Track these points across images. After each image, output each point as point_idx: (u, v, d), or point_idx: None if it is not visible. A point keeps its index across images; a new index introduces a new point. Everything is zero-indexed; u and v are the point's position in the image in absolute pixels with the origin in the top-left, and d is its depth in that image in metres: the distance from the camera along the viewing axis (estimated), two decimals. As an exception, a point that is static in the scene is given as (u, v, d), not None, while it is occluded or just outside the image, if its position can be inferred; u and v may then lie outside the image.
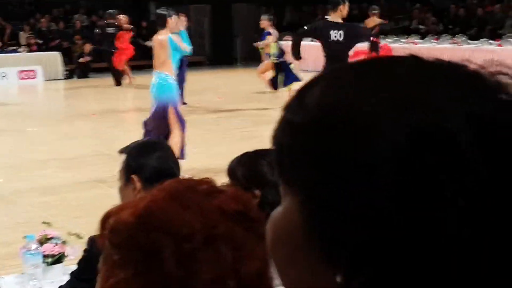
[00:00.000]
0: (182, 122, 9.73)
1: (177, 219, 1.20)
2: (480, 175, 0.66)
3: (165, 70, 9.70)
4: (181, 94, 15.25)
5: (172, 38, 9.74)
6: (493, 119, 0.68)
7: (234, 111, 15.43)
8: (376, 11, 18.90)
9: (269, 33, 16.33)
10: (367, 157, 0.67)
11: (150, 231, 1.19)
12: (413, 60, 0.76)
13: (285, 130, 0.74)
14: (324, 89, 0.74)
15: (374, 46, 18.55)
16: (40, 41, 24.60)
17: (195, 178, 1.31)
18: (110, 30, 21.72)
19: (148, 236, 1.19)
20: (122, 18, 21.85)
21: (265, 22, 16.39)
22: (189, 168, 9.05)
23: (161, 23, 9.93)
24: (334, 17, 10.70)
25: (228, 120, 14.34)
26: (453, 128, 0.67)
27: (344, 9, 10.53)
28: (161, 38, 9.72)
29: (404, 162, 0.66)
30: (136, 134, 9.88)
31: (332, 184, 0.68)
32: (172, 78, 9.77)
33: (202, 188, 1.26)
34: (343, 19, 10.54)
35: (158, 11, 10.38)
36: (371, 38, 18.70)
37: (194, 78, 21.96)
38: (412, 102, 0.68)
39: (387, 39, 21.81)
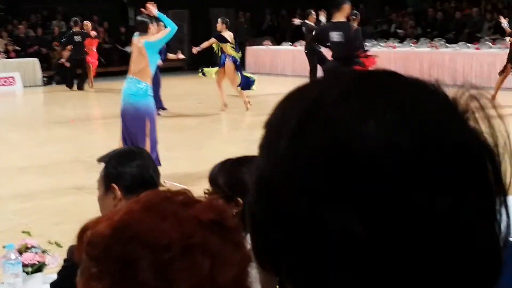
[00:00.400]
0: (154, 134, 9.58)
1: (154, 230, 1.21)
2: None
3: (144, 79, 9.47)
4: (159, 100, 15.26)
5: (148, 42, 9.60)
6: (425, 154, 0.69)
7: (215, 116, 15.43)
8: (355, 17, 18.95)
9: (220, 35, 16.25)
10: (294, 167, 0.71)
11: (126, 242, 1.20)
12: (388, 75, 0.76)
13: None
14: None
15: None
16: (18, 48, 24.48)
17: (171, 190, 1.32)
18: (77, 38, 21.68)
19: (124, 248, 1.20)
20: (88, 25, 21.90)
21: (219, 25, 16.58)
22: (170, 173, 9.04)
23: (142, 29, 9.85)
24: (339, 17, 10.85)
25: (209, 125, 14.34)
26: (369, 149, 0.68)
27: (348, 8, 10.69)
28: (140, 45, 9.60)
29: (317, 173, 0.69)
30: (115, 140, 9.86)
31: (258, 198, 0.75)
32: (151, 89, 9.59)
33: (178, 198, 1.26)
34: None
35: (139, 17, 10.30)
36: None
37: (174, 83, 21.96)
38: (336, 119, 0.70)
39: (365, 43, 21.88)
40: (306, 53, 19.19)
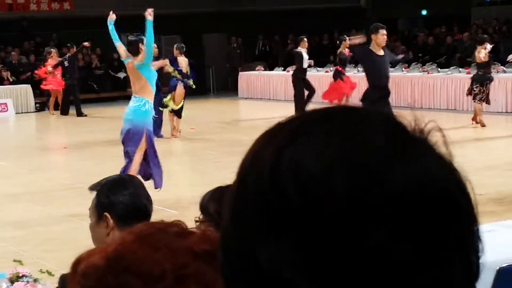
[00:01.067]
0: (153, 148, 9.63)
1: (148, 260, 1.21)
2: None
3: (145, 95, 9.60)
4: (159, 126, 15.37)
5: (138, 64, 9.64)
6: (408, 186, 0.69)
7: (207, 142, 15.44)
8: (345, 39, 19.05)
9: (174, 59, 16.91)
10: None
11: (119, 273, 1.20)
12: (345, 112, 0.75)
13: None
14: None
15: (336, 75, 18.72)
16: (12, 78, 24.52)
17: (164, 221, 1.32)
18: (66, 63, 22.10)
19: (118, 279, 1.20)
20: (53, 53, 22.15)
21: (175, 51, 17.50)
22: (162, 199, 9.02)
23: (133, 51, 9.89)
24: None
25: (201, 150, 14.33)
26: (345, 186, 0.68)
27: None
28: (133, 67, 9.67)
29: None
30: (108, 166, 9.84)
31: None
32: (150, 104, 9.66)
33: (172, 230, 1.27)
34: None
35: (130, 37, 10.33)
36: (336, 68, 18.94)
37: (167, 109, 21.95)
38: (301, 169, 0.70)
39: (359, 68, 21.96)
40: (293, 79, 19.32)
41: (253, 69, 25.72)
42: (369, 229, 0.67)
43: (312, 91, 18.91)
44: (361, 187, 0.68)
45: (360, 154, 0.69)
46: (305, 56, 19.24)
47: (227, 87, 28.02)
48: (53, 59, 21.95)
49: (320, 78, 21.11)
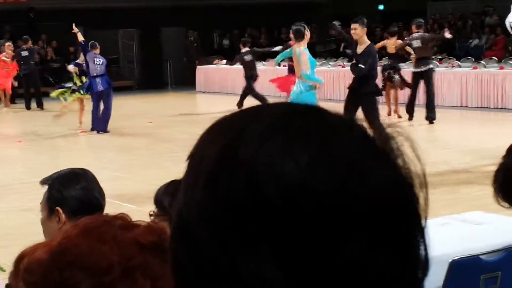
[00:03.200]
0: None
1: (93, 254, 1.21)
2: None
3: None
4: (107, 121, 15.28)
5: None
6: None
7: (164, 136, 15.36)
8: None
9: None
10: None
11: (64, 267, 1.19)
12: (312, 112, 0.75)
13: None
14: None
15: (291, 69, 18.71)
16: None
17: (109, 214, 1.31)
18: (24, 53, 21.86)
19: (63, 273, 1.19)
20: (7, 46, 21.94)
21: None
22: (119, 194, 8.97)
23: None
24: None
25: (159, 144, 14.26)
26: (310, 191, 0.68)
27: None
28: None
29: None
30: (62, 160, 9.75)
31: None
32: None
33: (117, 222, 1.26)
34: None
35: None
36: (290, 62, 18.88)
37: (123, 102, 21.81)
38: (251, 163, 0.69)
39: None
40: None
41: (211, 63, 25.67)
42: (349, 234, 0.67)
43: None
44: (341, 190, 0.68)
45: (337, 157, 0.69)
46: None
47: (185, 81, 27.94)
48: (7, 52, 21.67)
49: (277, 72, 21.10)
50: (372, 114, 10.45)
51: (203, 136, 0.75)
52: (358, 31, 10.91)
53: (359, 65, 10.73)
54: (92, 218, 1.31)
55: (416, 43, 15.20)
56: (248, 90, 18.96)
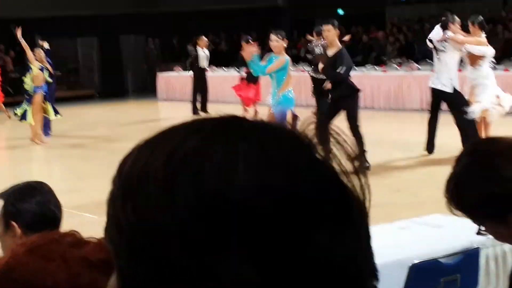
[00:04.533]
0: None
1: (39, 272, 1.20)
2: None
3: None
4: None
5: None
6: (294, 186, 0.70)
7: (126, 143, 15.24)
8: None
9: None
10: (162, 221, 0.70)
11: (9, 285, 1.18)
12: (232, 121, 0.76)
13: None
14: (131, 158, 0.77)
15: (249, 78, 18.65)
16: None
17: (59, 232, 1.30)
18: None
19: None
20: None
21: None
22: (79, 204, 8.89)
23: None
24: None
25: (120, 153, 14.13)
26: (249, 198, 0.68)
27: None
28: None
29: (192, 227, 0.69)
30: (21, 172, 9.64)
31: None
32: None
33: (67, 240, 1.25)
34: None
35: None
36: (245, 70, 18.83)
37: (84, 111, 21.71)
38: (204, 169, 0.69)
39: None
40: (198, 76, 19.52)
41: (171, 70, 25.61)
42: (312, 226, 0.69)
43: (204, 91, 19.20)
44: (296, 182, 0.70)
45: (277, 157, 0.70)
46: (202, 54, 19.31)
47: (146, 89, 27.85)
48: None
49: (237, 79, 21.09)
50: (356, 115, 10.50)
51: (139, 154, 0.75)
52: (331, 33, 10.80)
53: (337, 70, 10.60)
54: (42, 236, 1.30)
55: (318, 50, 15.26)
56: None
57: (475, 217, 1.96)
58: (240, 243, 0.68)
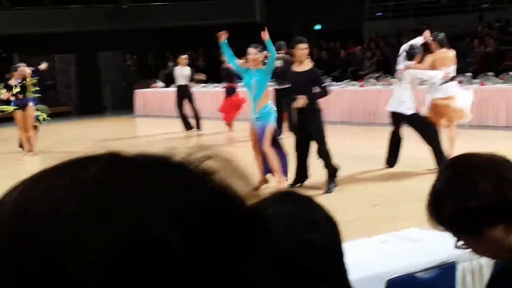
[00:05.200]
0: None
1: None
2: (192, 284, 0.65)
3: None
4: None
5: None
6: (200, 218, 0.66)
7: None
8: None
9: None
10: (70, 269, 0.63)
11: None
12: (109, 158, 0.72)
13: None
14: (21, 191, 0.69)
15: (229, 91, 18.66)
16: None
17: None
18: None
19: None
20: None
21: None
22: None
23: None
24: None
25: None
26: (161, 235, 0.64)
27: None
28: None
29: (112, 273, 0.63)
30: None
31: None
32: None
33: None
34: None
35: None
36: (226, 83, 18.83)
37: (62, 128, 21.60)
38: (114, 209, 0.64)
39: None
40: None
41: (149, 86, 25.58)
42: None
43: (180, 107, 19.23)
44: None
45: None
46: (179, 72, 19.35)
47: (124, 105, 27.78)
48: None
49: (217, 94, 21.11)
50: (323, 131, 10.46)
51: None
52: (308, 50, 10.82)
53: (324, 86, 10.57)
54: None
55: (279, 63, 15.52)
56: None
57: (453, 231, 1.97)
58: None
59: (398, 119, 11.55)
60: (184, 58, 19.65)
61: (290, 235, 1.33)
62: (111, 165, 0.70)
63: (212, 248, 0.66)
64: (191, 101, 19.42)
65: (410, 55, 11.38)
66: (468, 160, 2.02)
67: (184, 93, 19.38)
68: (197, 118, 19.36)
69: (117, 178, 0.68)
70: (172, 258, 0.64)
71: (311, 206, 1.41)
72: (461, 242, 1.98)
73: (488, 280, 1.98)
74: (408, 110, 11.25)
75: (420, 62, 11.56)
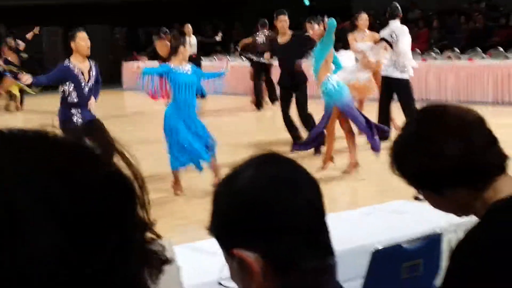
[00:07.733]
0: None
1: None
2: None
3: None
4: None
5: None
6: (63, 189, 0.68)
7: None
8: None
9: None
10: None
11: None
12: None
13: None
14: None
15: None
16: None
17: None
18: None
19: None
20: None
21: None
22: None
23: None
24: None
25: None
26: (17, 202, 0.66)
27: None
28: None
29: None
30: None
31: None
32: None
33: None
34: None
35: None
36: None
37: (48, 101, 21.46)
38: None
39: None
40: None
41: (137, 60, 25.45)
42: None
43: None
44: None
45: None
46: (188, 43, 19.23)
47: (111, 79, 27.66)
48: None
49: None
50: (306, 102, 11.10)
51: None
52: (287, 22, 11.51)
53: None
54: None
55: (261, 40, 16.60)
56: None
57: (413, 184, 1.98)
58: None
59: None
60: (190, 27, 19.58)
61: (271, 195, 1.34)
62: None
63: (76, 218, 0.67)
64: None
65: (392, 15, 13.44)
66: (439, 118, 1.97)
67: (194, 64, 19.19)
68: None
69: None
70: (30, 225, 0.65)
71: (293, 167, 1.42)
72: (421, 196, 1.99)
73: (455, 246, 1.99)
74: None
75: None
